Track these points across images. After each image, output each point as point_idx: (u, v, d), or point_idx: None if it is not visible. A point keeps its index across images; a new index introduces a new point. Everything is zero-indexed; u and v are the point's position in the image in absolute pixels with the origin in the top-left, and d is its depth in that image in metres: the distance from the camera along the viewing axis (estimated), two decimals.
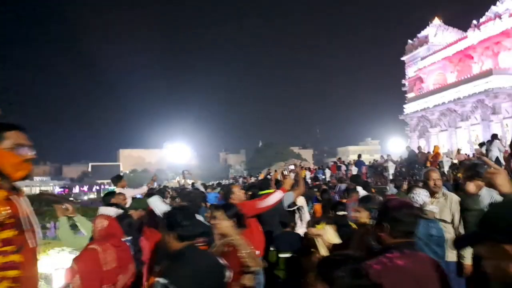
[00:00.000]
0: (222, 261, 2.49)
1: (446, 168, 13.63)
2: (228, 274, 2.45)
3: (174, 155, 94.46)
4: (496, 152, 12.25)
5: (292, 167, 6.46)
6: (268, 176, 27.67)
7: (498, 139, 12.94)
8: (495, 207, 1.41)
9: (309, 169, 28.55)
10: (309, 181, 20.43)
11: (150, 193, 7.60)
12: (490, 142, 12.98)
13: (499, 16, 31.78)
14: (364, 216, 3.37)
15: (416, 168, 14.73)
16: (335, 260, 1.66)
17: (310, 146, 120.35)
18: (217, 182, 30.80)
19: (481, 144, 13.99)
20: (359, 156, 21.24)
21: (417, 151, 21.17)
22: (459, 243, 1.38)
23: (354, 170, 19.83)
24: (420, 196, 3.81)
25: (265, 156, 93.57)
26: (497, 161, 12.64)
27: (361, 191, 5.90)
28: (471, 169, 1.82)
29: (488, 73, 27.75)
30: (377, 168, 18.16)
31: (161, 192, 8.04)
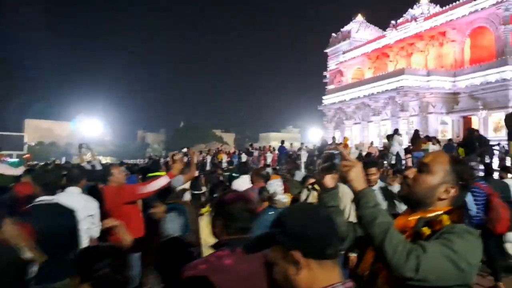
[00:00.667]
0: None
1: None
2: None
3: (86, 129, 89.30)
4: (397, 146, 12.86)
5: (185, 150, 5.85)
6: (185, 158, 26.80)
7: (399, 134, 13.57)
8: (291, 208, 1.34)
9: (227, 153, 28.16)
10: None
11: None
12: (391, 136, 13.60)
13: (415, 19, 33.74)
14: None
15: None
16: (95, 253, 1.57)
17: (233, 130, 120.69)
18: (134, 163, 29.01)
19: (388, 137, 14.57)
20: (282, 142, 21.46)
21: (330, 141, 21.89)
22: (249, 246, 1.20)
23: (269, 157, 19.89)
24: (273, 186, 3.85)
25: (186, 137, 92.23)
26: (397, 155, 13.27)
27: (244, 181, 5.58)
28: (327, 160, 1.50)
29: (400, 72, 29.33)
30: (291, 156, 18.36)
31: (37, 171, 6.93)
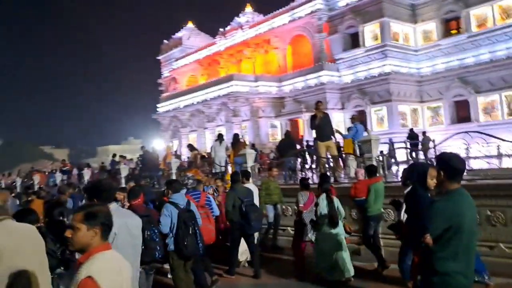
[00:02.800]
0: None
1: (174, 170, 12.82)
2: None
3: None
4: (222, 152, 12.12)
5: None
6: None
7: (223, 140, 12.87)
8: None
9: (44, 173, 24.21)
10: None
11: None
12: (218, 141, 12.82)
13: (241, 27, 34.72)
14: None
15: (148, 170, 13.57)
16: None
17: (67, 145, 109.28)
18: None
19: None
20: (114, 155, 19.13)
21: (164, 151, 20.42)
22: None
23: (86, 174, 17.32)
24: None
25: (8, 156, 79.93)
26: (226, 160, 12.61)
27: None
28: None
29: (229, 78, 29.59)
30: (110, 171, 16.27)
31: None
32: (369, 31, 26.00)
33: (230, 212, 6.69)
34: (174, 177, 11.96)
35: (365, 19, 25.98)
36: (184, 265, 5.21)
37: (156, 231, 4.71)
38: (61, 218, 4.15)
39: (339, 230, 6.22)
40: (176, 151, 27.94)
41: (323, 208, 6.13)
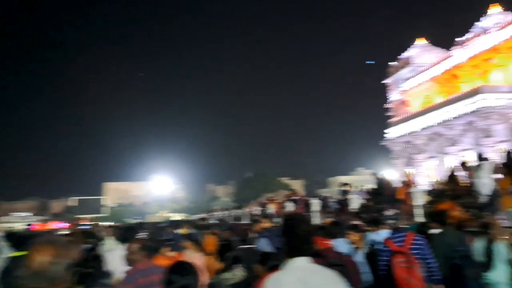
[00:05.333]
0: None
1: (419, 201, 10.03)
2: None
3: (159, 187, 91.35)
4: (487, 179, 8.63)
5: None
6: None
7: (486, 160, 9.27)
8: None
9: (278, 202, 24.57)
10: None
11: None
12: (478, 165, 9.34)
13: (485, 31, 29.04)
14: None
15: (383, 201, 11.27)
16: None
17: (301, 176, 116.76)
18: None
19: (470, 166, 10.29)
20: (343, 185, 17.87)
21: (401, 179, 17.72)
22: None
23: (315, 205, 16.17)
24: None
25: (253, 187, 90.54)
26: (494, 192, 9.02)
27: None
28: None
29: (476, 92, 24.70)
30: (339, 202, 14.66)
31: None
32: None
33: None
34: (418, 211, 9.28)
35: None
36: None
37: None
38: None
39: None
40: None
41: None
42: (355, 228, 5.43)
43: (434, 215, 5.32)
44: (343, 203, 13.66)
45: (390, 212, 5.17)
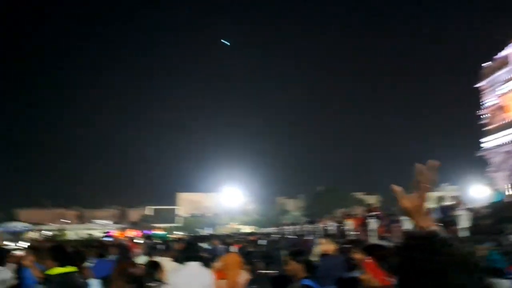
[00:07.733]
0: None
1: None
2: None
3: (229, 199, 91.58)
4: None
5: None
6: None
7: None
8: None
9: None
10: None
11: None
12: None
13: None
14: None
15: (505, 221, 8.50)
16: None
17: (376, 192, 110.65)
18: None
19: None
20: (439, 199, 15.20)
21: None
22: None
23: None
24: None
25: (325, 201, 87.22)
26: None
27: None
28: None
29: None
30: (443, 220, 11.80)
31: None
32: None
33: None
34: None
35: None
36: None
37: None
38: None
39: None
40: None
41: None
42: None
43: None
44: (447, 222, 10.92)
45: None
